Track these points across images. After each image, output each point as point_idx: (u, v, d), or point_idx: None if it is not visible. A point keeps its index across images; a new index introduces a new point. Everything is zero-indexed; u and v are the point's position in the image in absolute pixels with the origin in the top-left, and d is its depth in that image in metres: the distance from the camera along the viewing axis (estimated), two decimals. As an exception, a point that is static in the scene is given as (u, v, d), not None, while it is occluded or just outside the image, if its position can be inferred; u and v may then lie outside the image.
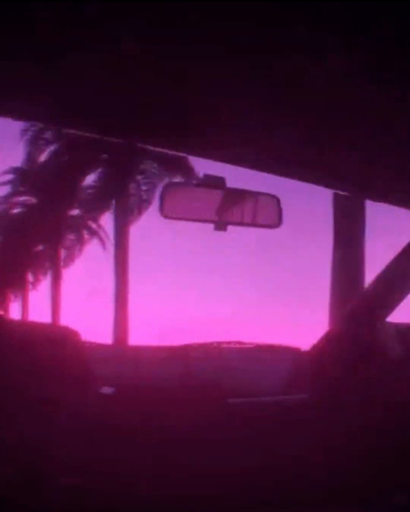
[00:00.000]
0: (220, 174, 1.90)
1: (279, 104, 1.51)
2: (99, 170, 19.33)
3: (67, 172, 18.61)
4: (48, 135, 18.97)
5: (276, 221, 2.06)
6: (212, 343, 4.13)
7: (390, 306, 2.48)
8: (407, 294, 2.49)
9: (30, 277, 25.31)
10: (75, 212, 21.96)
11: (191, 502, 1.95)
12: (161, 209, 1.92)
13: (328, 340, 2.44)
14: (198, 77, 1.38)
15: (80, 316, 20.81)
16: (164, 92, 1.43)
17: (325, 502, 2.13)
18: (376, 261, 9.42)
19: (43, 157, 19.65)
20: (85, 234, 22.51)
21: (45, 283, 24.26)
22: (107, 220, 20.54)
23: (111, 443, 1.89)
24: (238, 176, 1.97)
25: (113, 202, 19.51)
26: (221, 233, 1.95)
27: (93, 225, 22.06)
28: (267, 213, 2.06)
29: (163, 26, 1.18)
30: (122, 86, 1.41)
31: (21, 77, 1.35)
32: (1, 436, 1.79)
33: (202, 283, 33.70)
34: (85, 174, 19.40)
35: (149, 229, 24.38)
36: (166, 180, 17.77)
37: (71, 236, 22.68)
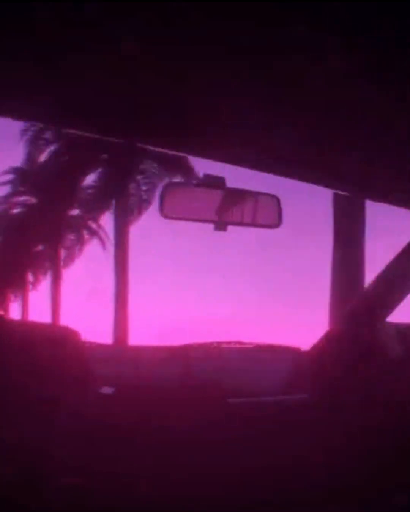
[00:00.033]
0: (220, 174, 1.90)
1: (279, 104, 1.51)
2: (99, 170, 19.36)
3: (67, 172, 18.59)
4: (48, 135, 18.97)
5: (276, 221, 2.06)
6: (212, 343, 4.13)
7: (390, 306, 2.48)
8: (407, 294, 2.49)
9: (30, 277, 25.34)
10: (75, 212, 21.99)
11: (192, 502, 1.95)
12: (161, 209, 1.92)
13: (328, 340, 2.44)
14: (198, 77, 1.38)
15: (80, 316, 20.83)
16: (164, 92, 1.43)
17: (325, 502, 2.13)
18: (376, 261, 9.43)
19: (43, 157, 19.69)
20: (85, 234, 22.54)
21: (45, 283, 24.30)
22: (107, 220, 20.56)
23: (111, 443, 1.89)
24: (238, 176, 1.98)
25: (114, 202, 19.50)
26: (221, 233, 1.95)
27: (93, 225, 22.08)
28: (267, 213, 2.06)
29: (163, 26, 1.18)
30: (122, 86, 1.41)
31: (21, 77, 1.35)
32: (1, 436, 1.79)
33: (202, 283, 33.74)
34: (85, 174, 19.39)
35: (149, 229, 24.42)
36: (166, 180, 17.79)
37: (71, 236, 22.70)
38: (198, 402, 2.08)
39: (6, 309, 24.71)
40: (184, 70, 1.35)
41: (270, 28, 1.20)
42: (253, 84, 1.41)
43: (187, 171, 17.81)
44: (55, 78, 1.35)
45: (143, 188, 19.41)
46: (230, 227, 1.97)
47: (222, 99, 1.47)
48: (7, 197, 22.19)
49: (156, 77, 1.37)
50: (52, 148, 19.23)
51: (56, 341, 1.99)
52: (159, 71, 1.34)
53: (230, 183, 1.91)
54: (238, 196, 2.04)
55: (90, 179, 19.62)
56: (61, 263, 22.76)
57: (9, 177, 21.74)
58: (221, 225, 1.96)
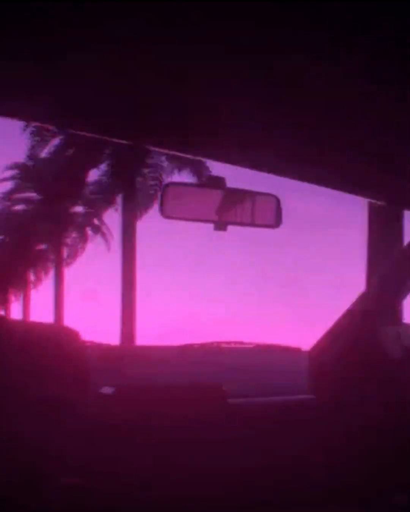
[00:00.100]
0: (219, 174, 1.90)
1: (279, 104, 1.51)
2: (105, 163, 18.74)
3: (71, 166, 18.19)
4: (51, 127, 18.64)
5: (276, 221, 2.06)
6: (212, 343, 4.12)
7: (390, 306, 2.48)
8: (407, 294, 2.49)
9: (31, 276, 25.32)
10: (78, 209, 21.77)
11: (192, 502, 1.95)
12: (162, 209, 1.92)
13: (328, 340, 2.44)
14: (198, 77, 1.38)
15: (82, 315, 20.82)
16: (164, 92, 1.43)
17: (325, 502, 2.13)
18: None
19: (47, 150, 19.16)
20: (89, 231, 22.33)
21: (47, 283, 24.27)
22: (112, 217, 20.16)
23: (111, 443, 1.89)
24: (238, 176, 1.98)
25: (120, 197, 19.04)
26: (221, 233, 1.96)
27: (98, 222, 21.82)
28: (267, 213, 2.06)
29: (163, 26, 1.18)
30: (122, 86, 1.41)
31: (21, 77, 1.35)
32: (1, 436, 1.79)
33: (202, 283, 33.76)
34: (93, 166, 18.71)
35: (149, 229, 24.42)
36: (175, 174, 17.40)
37: (74, 234, 22.54)
38: (198, 402, 2.07)
39: (7, 309, 24.73)
40: (184, 70, 1.35)
41: (270, 28, 1.20)
42: (253, 84, 1.41)
43: (197, 164, 17.29)
44: (55, 78, 1.35)
45: (151, 183, 18.67)
46: (230, 227, 1.98)
47: (222, 99, 1.47)
48: (9, 193, 22.09)
49: (156, 77, 1.37)
50: (56, 141, 18.61)
51: (56, 341, 1.98)
52: (159, 71, 1.34)
53: (230, 183, 1.92)
54: (238, 196, 2.04)
55: (95, 174, 19.08)
56: (63, 262, 22.65)
57: (11, 173, 21.65)
58: (221, 225, 1.96)
